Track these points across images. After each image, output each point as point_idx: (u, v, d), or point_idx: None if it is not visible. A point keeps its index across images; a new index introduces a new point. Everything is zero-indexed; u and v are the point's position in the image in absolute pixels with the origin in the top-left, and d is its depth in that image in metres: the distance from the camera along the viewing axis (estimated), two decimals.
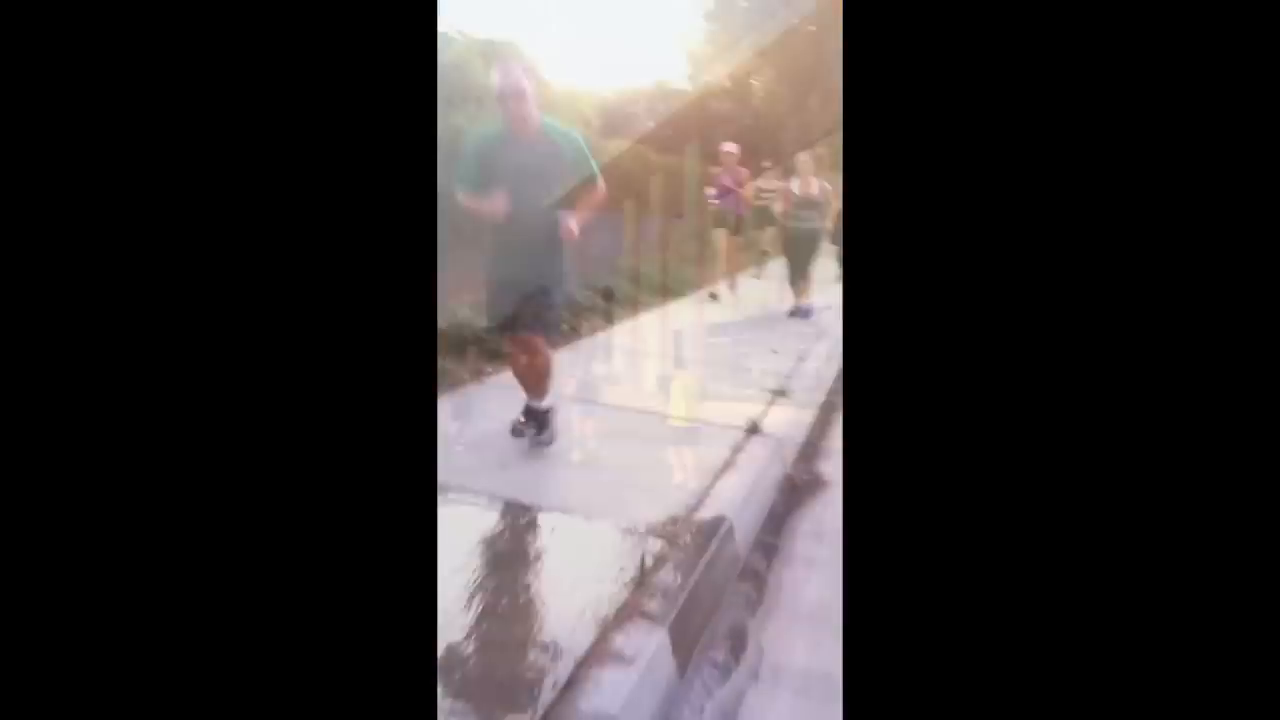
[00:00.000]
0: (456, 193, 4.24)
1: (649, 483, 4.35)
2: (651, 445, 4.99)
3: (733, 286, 11.71)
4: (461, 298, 6.84)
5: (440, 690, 2.54)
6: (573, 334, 7.74)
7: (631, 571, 3.35)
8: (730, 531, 3.89)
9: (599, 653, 2.78)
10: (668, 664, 2.92)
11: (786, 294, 10.34)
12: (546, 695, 2.54)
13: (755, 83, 24.72)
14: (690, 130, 18.84)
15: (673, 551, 3.55)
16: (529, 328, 4.37)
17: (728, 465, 4.68)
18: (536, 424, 4.56)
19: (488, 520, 3.79)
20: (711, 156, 11.91)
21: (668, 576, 3.34)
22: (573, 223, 4.19)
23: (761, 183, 12.48)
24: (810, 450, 5.56)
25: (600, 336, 8.20)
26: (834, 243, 12.37)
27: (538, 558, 3.56)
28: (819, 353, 8.03)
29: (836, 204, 10.51)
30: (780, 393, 6.32)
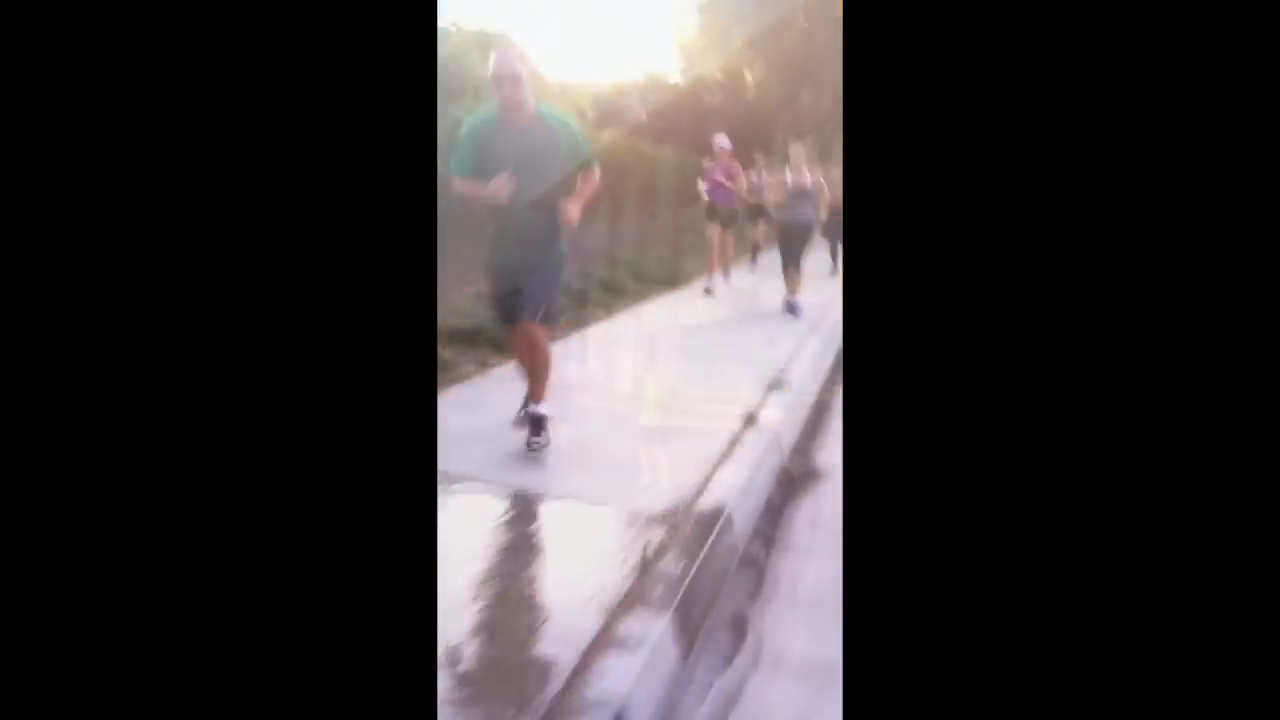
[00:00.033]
0: (452, 178, 4.26)
1: (650, 473, 4.43)
2: (650, 436, 5.05)
3: (726, 279, 11.73)
4: (465, 289, 6.90)
5: (449, 677, 2.61)
6: (571, 325, 7.79)
7: (634, 560, 3.42)
8: (730, 521, 3.97)
9: (605, 639, 2.85)
10: (672, 651, 2.99)
11: (779, 287, 10.26)
12: (555, 681, 2.60)
13: (748, 75, 24.73)
14: (683, 122, 18.91)
15: (674, 540, 3.62)
16: (529, 317, 4.37)
17: (726, 456, 4.75)
18: (533, 427, 4.55)
19: (495, 510, 3.86)
20: (704, 149, 11.92)
21: (670, 565, 3.41)
22: (573, 209, 4.21)
23: (754, 175, 12.52)
24: (806, 442, 5.64)
25: (599, 327, 8.26)
26: (825, 235, 12.41)
27: (544, 547, 3.63)
28: (812, 346, 8.10)
29: (828, 195, 10.51)
30: (777, 385, 6.39)
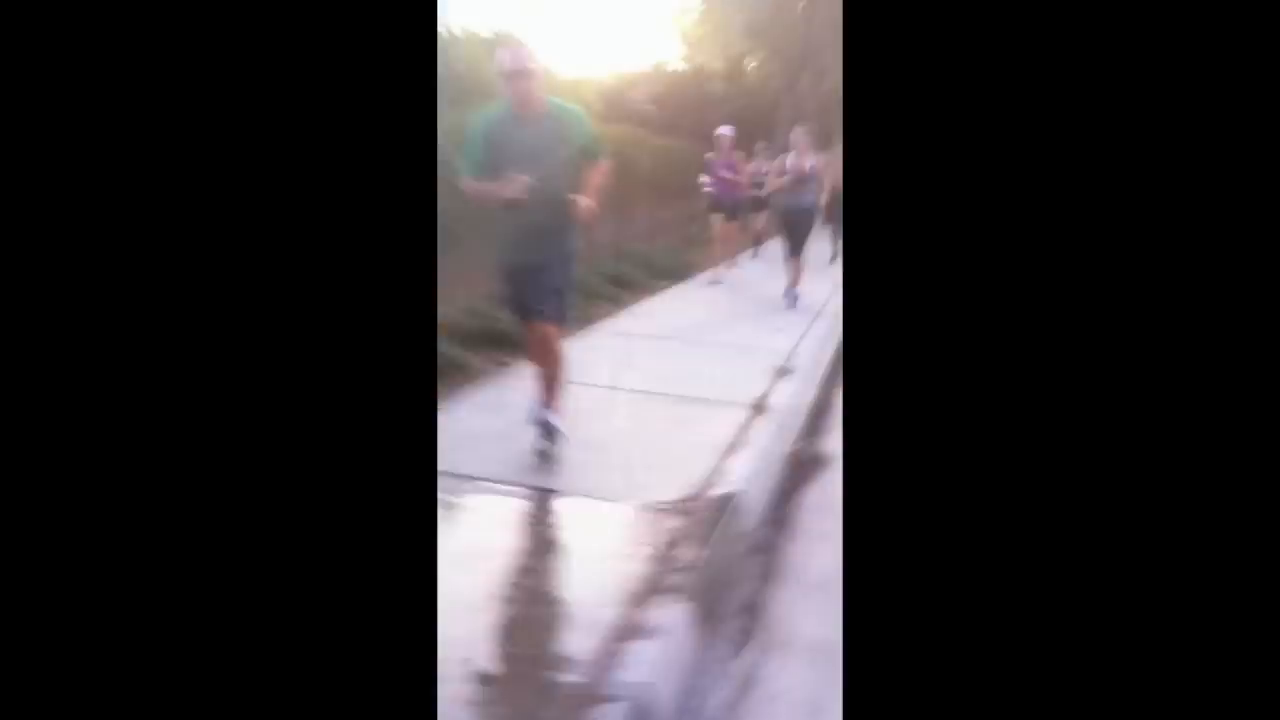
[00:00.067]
0: (461, 178, 4.26)
1: (663, 462, 4.54)
2: (662, 426, 5.17)
3: (731, 269, 11.70)
4: (479, 290, 7.00)
5: (476, 670, 2.73)
6: (579, 320, 7.88)
7: (653, 548, 3.54)
8: (743, 507, 4.10)
9: (629, 627, 2.97)
10: (693, 635, 3.11)
11: (783, 276, 10.13)
12: (584, 672, 2.72)
13: (749, 63, 24.69)
14: (687, 112, 18.92)
15: (691, 529, 3.76)
16: (543, 317, 4.32)
17: (737, 443, 4.88)
18: (543, 433, 4.48)
19: (514, 508, 3.98)
20: (708, 138, 11.93)
21: (688, 552, 3.54)
22: (588, 204, 4.15)
23: (755, 166, 12.52)
24: (813, 427, 5.77)
25: (607, 323, 8.37)
26: (828, 220, 12.37)
27: (562, 542, 3.76)
28: (817, 333, 8.21)
29: (829, 179, 10.44)
30: (783, 372, 6.52)
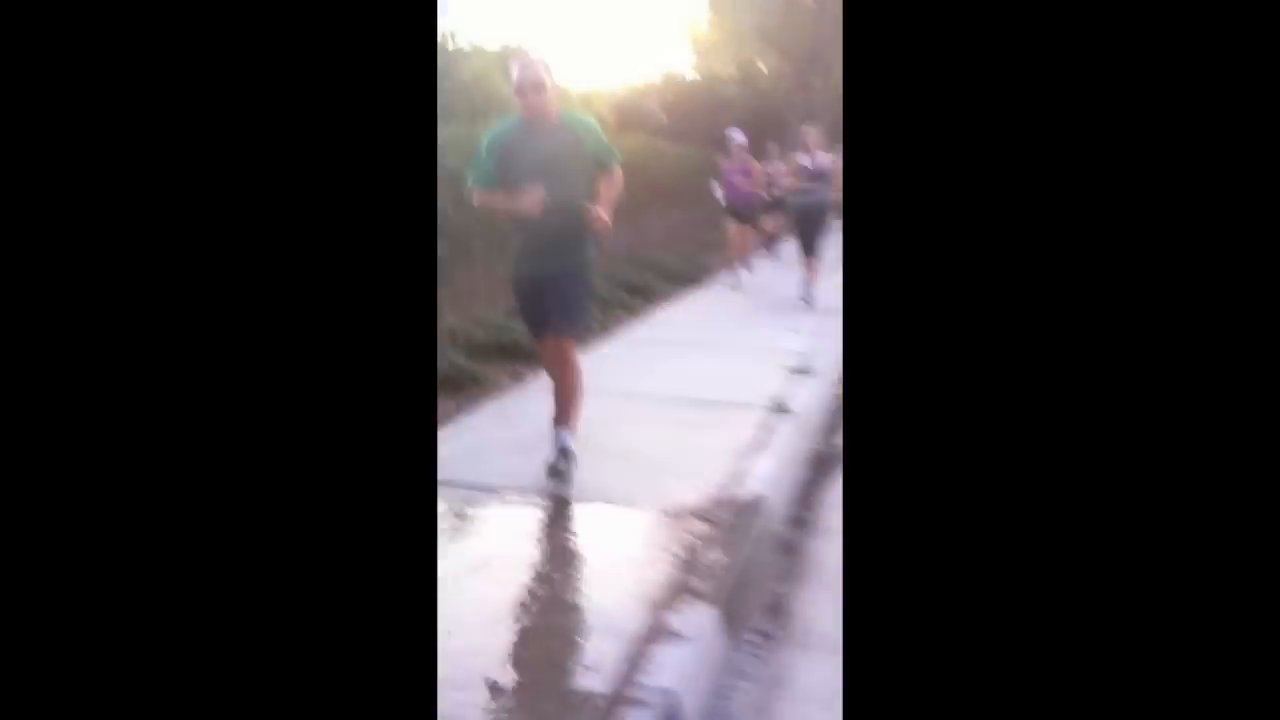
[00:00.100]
0: (472, 190, 4.26)
1: (685, 467, 4.54)
2: (683, 430, 5.17)
3: (748, 272, 11.63)
4: (492, 302, 7.03)
5: (505, 676, 2.75)
6: (598, 329, 7.90)
7: (678, 553, 3.54)
8: (766, 508, 4.10)
9: (657, 629, 2.97)
10: (720, 639, 3.11)
11: (797, 276, 10.08)
12: (612, 678, 2.71)
13: (760, 65, 24.71)
14: (700, 118, 18.96)
15: (714, 532, 3.75)
16: (560, 332, 4.26)
17: (758, 444, 4.88)
18: (558, 454, 4.33)
19: (535, 517, 3.99)
20: (721, 143, 11.92)
21: (712, 556, 3.54)
22: (603, 214, 4.09)
23: (769, 166, 12.51)
24: (834, 425, 5.76)
25: (624, 330, 8.37)
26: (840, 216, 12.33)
27: (586, 549, 3.75)
28: (835, 331, 8.19)
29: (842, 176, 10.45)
30: (802, 371, 6.52)
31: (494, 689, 2.67)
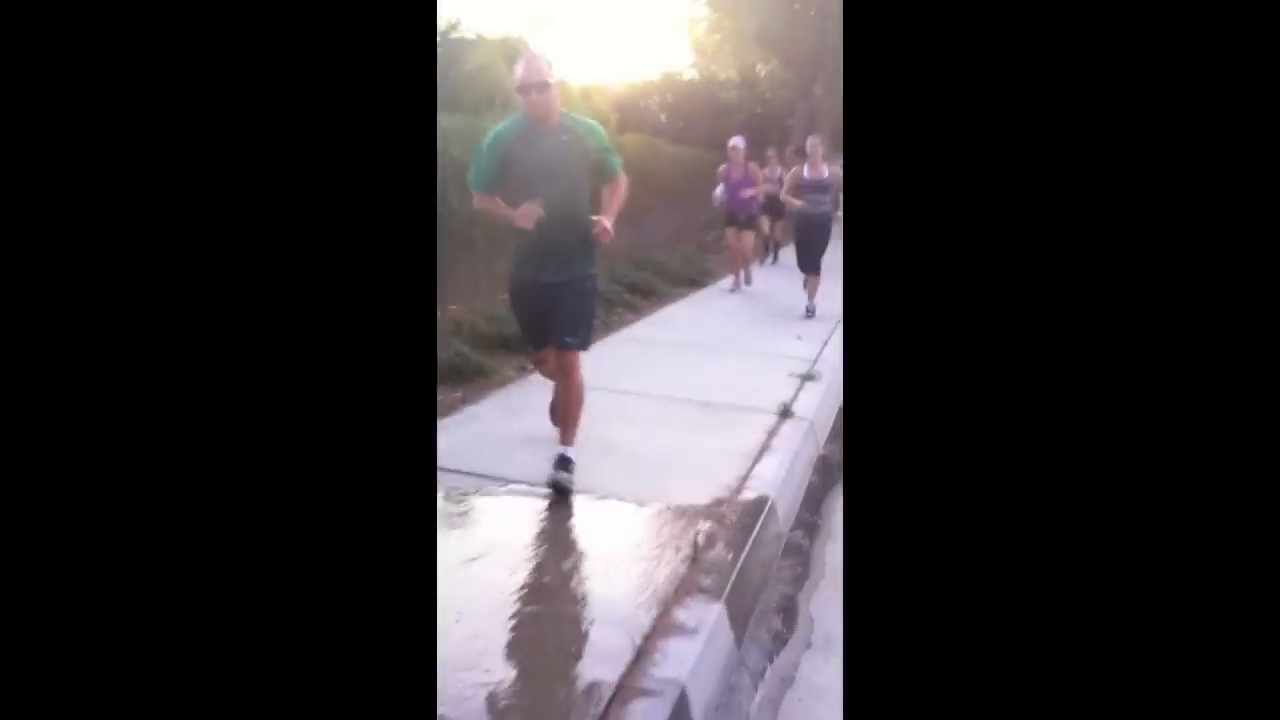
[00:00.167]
0: (474, 193, 4.16)
1: (693, 467, 4.53)
2: (690, 431, 5.16)
3: (748, 279, 11.58)
4: (500, 294, 7.01)
5: (513, 663, 2.75)
6: (603, 328, 7.89)
7: (685, 551, 3.54)
8: (773, 510, 4.10)
9: (663, 625, 2.97)
10: (727, 635, 3.12)
11: (799, 282, 9.96)
12: (619, 667, 2.72)
13: (761, 70, 24.75)
14: (700, 120, 18.98)
15: (722, 531, 3.75)
16: (565, 345, 4.13)
17: (765, 448, 4.87)
18: (559, 464, 4.19)
19: (546, 508, 3.98)
20: (722, 146, 11.91)
21: (720, 554, 3.54)
22: (607, 224, 3.98)
23: (768, 170, 12.49)
24: (841, 429, 5.74)
25: (627, 330, 8.37)
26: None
27: (595, 540, 3.75)
28: (840, 339, 8.19)
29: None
30: (809, 377, 6.51)
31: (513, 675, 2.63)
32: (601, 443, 4.66)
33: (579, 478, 4.12)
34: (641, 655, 2.79)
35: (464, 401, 5.48)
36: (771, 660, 3.21)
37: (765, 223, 13.12)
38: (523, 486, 4.15)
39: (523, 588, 3.24)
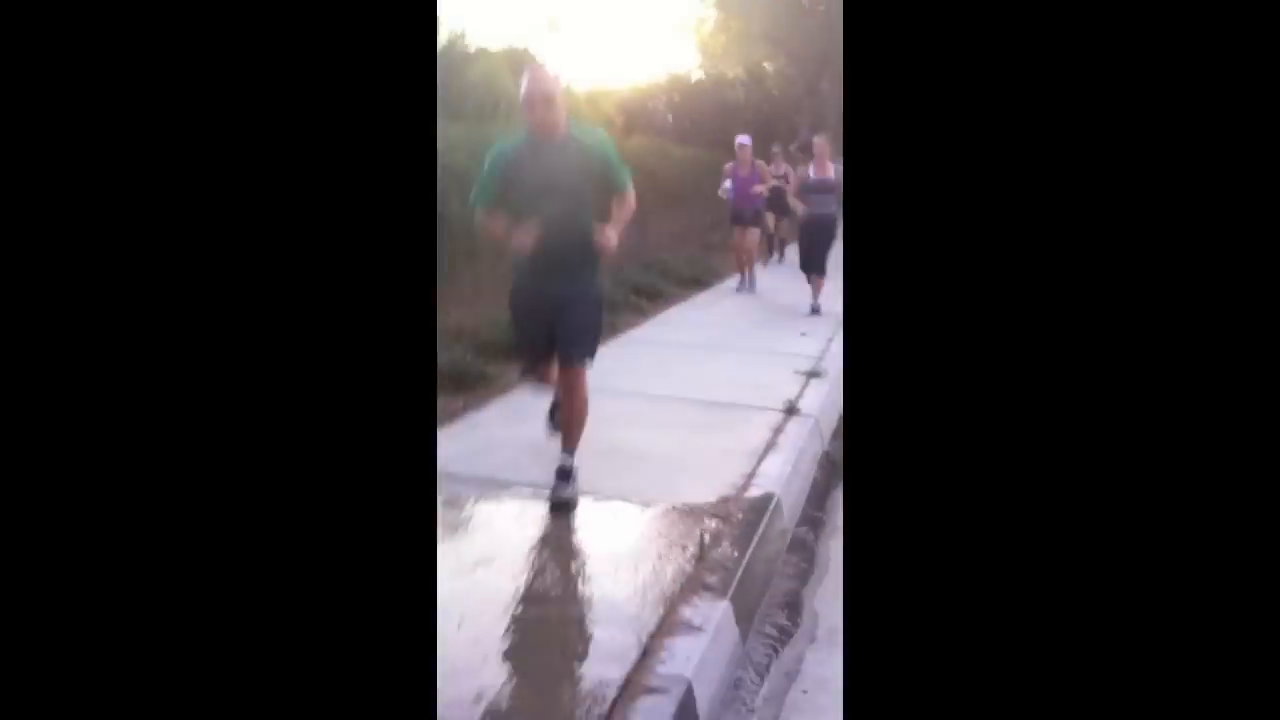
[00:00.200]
0: (476, 210, 4.08)
1: (699, 466, 4.56)
2: (696, 430, 5.19)
3: (751, 279, 11.45)
4: (502, 301, 7.03)
5: (519, 664, 2.79)
6: (610, 329, 7.89)
7: (691, 549, 3.57)
8: (778, 507, 4.13)
9: (669, 623, 3.01)
10: (732, 631, 3.15)
11: (804, 282, 9.84)
12: (625, 665, 2.75)
13: (768, 67, 24.71)
14: (707, 121, 18.98)
15: (727, 528, 3.79)
16: (568, 357, 4.07)
17: (770, 446, 4.90)
18: (559, 477, 4.11)
19: (551, 513, 4.00)
20: (729, 146, 11.89)
21: (725, 552, 3.58)
22: (611, 236, 3.89)
23: (774, 167, 12.48)
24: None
25: (634, 331, 8.39)
26: None
27: (601, 541, 3.79)
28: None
29: None
30: (814, 374, 6.53)
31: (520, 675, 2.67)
32: (607, 444, 4.66)
33: (584, 479, 4.14)
34: (648, 653, 2.82)
35: (466, 408, 5.51)
36: (777, 655, 3.23)
37: (770, 220, 13.08)
38: (527, 491, 4.17)
39: (527, 591, 3.27)
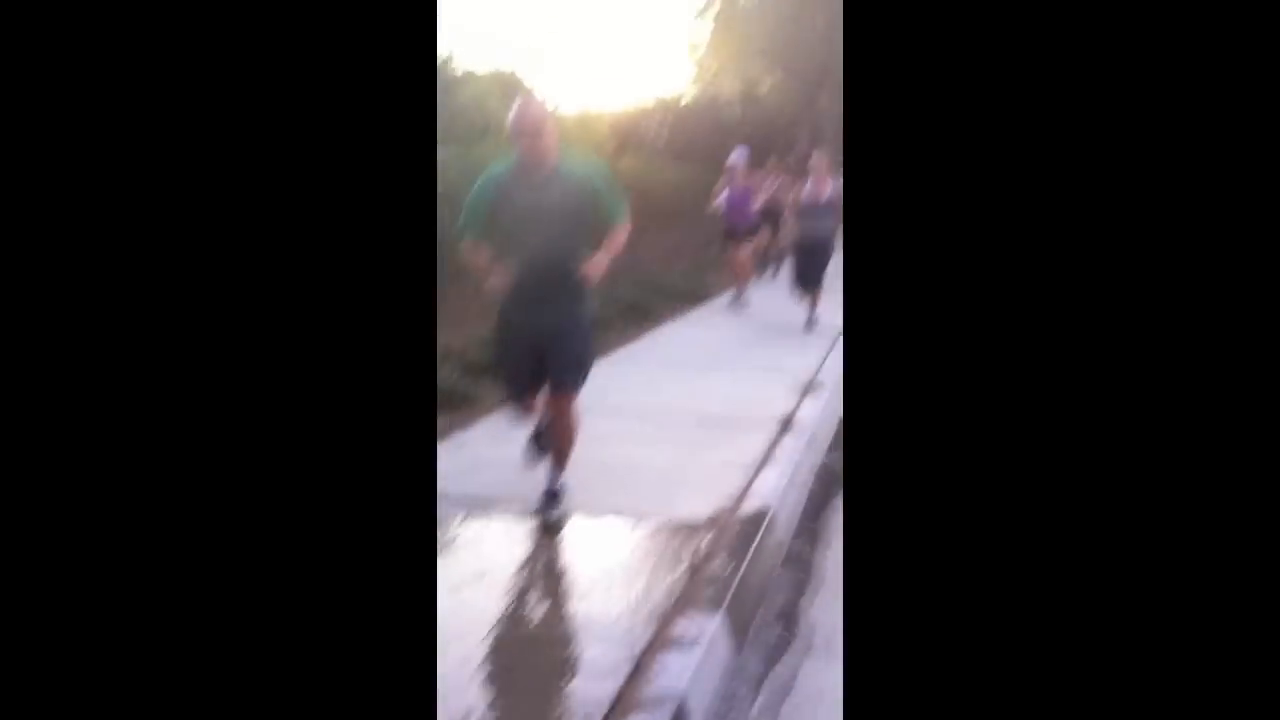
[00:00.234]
0: (463, 240, 4.02)
1: (695, 481, 4.54)
2: (691, 445, 5.17)
3: (741, 296, 11.30)
4: (488, 321, 7.02)
5: (509, 683, 2.77)
6: (603, 346, 7.87)
7: (685, 563, 3.55)
8: (774, 520, 4.11)
9: (664, 637, 2.98)
10: (726, 644, 3.13)
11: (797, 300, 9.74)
12: (618, 678, 2.73)
13: (766, 81, 24.71)
14: (702, 138, 18.99)
15: (722, 542, 3.76)
16: (559, 387, 4.01)
17: (767, 459, 4.88)
18: (547, 500, 4.12)
19: (542, 530, 3.99)
20: (723, 163, 11.87)
21: (720, 565, 3.55)
22: (595, 266, 3.85)
23: (770, 179, 12.46)
24: (841, 441, 5.73)
25: (628, 348, 8.36)
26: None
27: (595, 557, 3.76)
28: (840, 351, 8.17)
29: None
30: (810, 388, 6.51)
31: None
32: (600, 460, 4.64)
33: (576, 495, 4.12)
34: (641, 668, 2.80)
35: (453, 428, 5.50)
36: (772, 667, 3.20)
37: (766, 234, 13.03)
38: (515, 509, 4.15)
39: (517, 609, 3.26)
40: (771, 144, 17.57)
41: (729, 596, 3.31)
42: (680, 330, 9.60)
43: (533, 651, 2.98)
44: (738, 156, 11.31)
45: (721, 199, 11.32)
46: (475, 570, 3.54)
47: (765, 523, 4.01)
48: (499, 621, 3.15)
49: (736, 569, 3.53)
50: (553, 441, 4.16)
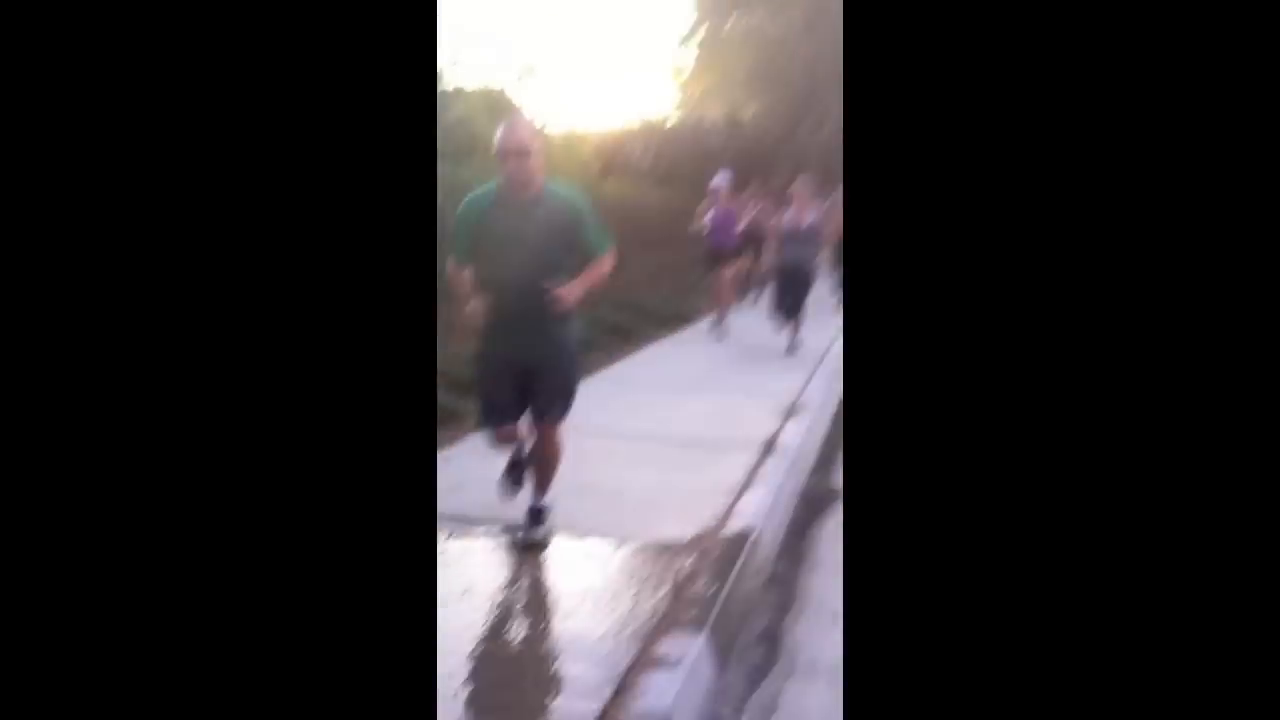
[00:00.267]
0: (449, 263, 3.88)
1: (678, 503, 4.54)
2: (674, 468, 5.17)
3: (723, 321, 11.13)
4: (473, 338, 7.01)
5: (491, 701, 2.76)
6: (585, 369, 7.86)
7: (668, 585, 3.55)
8: (757, 542, 4.12)
9: (647, 657, 2.99)
10: (710, 665, 3.13)
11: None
12: (600, 699, 2.73)
13: (750, 107, 24.80)
14: (685, 163, 19.06)
15: (705, 564, 3.76)
16: (545, 415, 3.96)
17: (749, 482, 4.89)
18: (531, 518, 4.09)
19: (524, 550, 3.97)
20: (706, 187, 11.89)
21: (703, 586, 3.55)
22: (569, 291, 3.74)
23: (752, 204, 12.49)
24: (825, 463, 5.79)
25: (610, 370, 8.37)
26: (834, 270, 12.07)
27: (578, 578, 3.76)
28: (825, 373, 8.21)
29: (830, 229, 9.79)
30: (792, 411, 6.52)
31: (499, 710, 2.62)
32: (583, 482, 4.61)
33: (559, 516, 4.11)
34: (623, 689, 2.79)
35: (438, 445, 5.45)
36: (755, 688, 3.19)
37: (748, 258, 13.02)
38: (498, 528, 4.14)
39: (499, 628, 3.26)
40: (754, 169, 17.63)
41: (712, 617, 3.31)
42: (664, 352, 9.59)
43: (516, 670, 2.97)
44: (721, 179, 11.31)
45: (707, 219, 11.30)
46: (459, 588, 3.53)
47: (749, 544, 4.02)
48: (483, 639, 3.15)
49: (720, 590, 3.53)
50: (536, 466, 4.10)
